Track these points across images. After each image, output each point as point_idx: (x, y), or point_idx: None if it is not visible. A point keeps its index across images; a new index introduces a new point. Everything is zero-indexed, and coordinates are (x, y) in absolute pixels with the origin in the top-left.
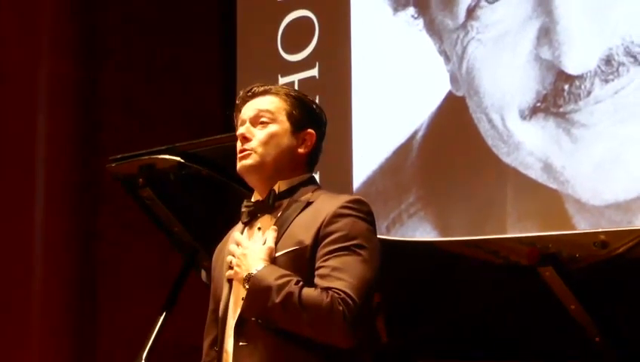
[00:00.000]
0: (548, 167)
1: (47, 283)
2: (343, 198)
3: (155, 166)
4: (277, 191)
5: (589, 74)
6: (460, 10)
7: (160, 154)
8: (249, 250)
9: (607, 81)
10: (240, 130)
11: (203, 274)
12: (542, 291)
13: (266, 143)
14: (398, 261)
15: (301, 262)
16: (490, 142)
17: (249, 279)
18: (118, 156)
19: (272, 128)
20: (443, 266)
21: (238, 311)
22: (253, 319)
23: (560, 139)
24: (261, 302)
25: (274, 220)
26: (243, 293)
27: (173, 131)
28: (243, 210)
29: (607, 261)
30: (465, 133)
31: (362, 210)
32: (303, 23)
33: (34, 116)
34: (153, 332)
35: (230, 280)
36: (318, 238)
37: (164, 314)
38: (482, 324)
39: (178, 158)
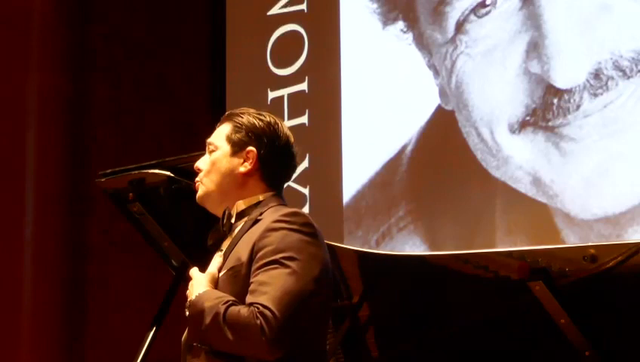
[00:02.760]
0: (537, 181)
1: (37, 299)
2: (279, 212)
3: (145, 180)
4: (232, 213)
5: (578, 88)
6: (449, 24)
7: (150, 168)
8: (195, 279)
9: (596, 95)
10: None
11: None
12: (532, 305)
13: (208, 172)
14: (387, 275)
15: (238, 279)
16: (479, 155)
17: (189, 305)
18: (108, 171)
19: (213, 155)
20: (433, 280)
21: None
22: (194, 344)
23: (549, 153)
24: (197, 325)
25: (229, 240)
26: None
27: (162, 146)
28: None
29: (596, 275)
30: (454, 146)
31: (296, 222)
32: (292, 37)
33: (23, 131)
34: (143, 347)
35: None
36: (253, 254)
37: (154, 328)
38: (472, 338)
39: (168, 173)
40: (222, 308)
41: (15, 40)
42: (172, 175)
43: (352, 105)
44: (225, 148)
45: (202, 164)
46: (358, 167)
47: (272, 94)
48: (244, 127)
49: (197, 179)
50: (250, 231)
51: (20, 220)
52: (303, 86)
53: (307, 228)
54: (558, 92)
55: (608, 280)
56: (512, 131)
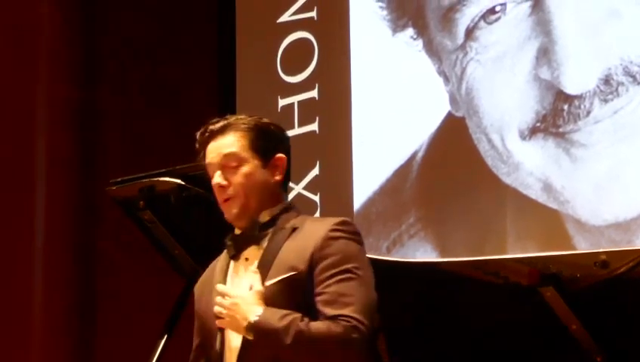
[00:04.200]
0: (548, 187)
1: (47, 307)
2: (330, 221)
3: (156, 188)
4: (260, 222)
5: (588, 94)
6: (458, 31)
7: (160, 176)
8: (239, 299)
9: (606, 101)
10: (214, 180)
11: None
12: (543, 311)
13: (243, 186)
14: (398, 282)
15: (296, 289)
16: (489, 162)
17: (251, 327)
18: (118, 179)
19: (245, 170)
20: (443, 287)
21: (238, 340)
22: None
23: (560, 159)
24: (272, 346)
25: (260, 250)
26: (238, 341)
27: (172, 154)
28: (228, 244)
29: (607, 281)
30: (464, 153)
31: (352, 231)
32: (302, 44)
33: (33, 140)
34: (154, 356)
35: (222, 330)
36: (312, 263)
37: (165, 337)
38: (483, 345)
39: (178, 181)
40: (302, 326)
41: (24, 50)
42: (182, 182)
43: (362, 112)
44: (253, 159)
45: (228, 179)
46: (369, 174)
47: (282, 102)
48: (264, 134)
49: (226, 195)
50: (291, 240)
51: (31, 229)
52: (314, 93)
53: (360, 237)
54: (569, 98)
55: (619, 286)
56: (523, 137)
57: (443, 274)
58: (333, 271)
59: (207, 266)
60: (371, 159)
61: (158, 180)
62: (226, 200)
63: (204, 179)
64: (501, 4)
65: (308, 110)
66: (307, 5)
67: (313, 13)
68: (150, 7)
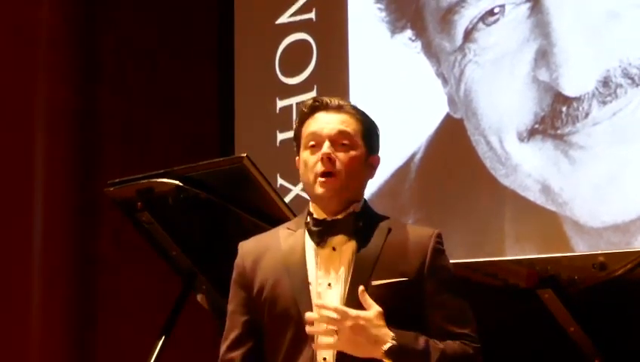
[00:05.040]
0: (546, 189)
1: (47, 309)
2: (430, 231)
3: (154, 190)
4: (356, 213)
5: (586, 96)
6: (457, 32)
7: (158, 177)
8: (364, 320)
9: (604, 103)
10: (324, 149)
11: (200, 296)
12: (541, 313)
13: (349, 170)
14: None
15: (404, 294)
16: (488, 164)
17: (393, 352)
18: (117, 180)
19: (354, 153)
20: None
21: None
22: None
23: (558, 161)
24: None
25: (349, 242)
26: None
27: (170, 155)
28: (313, 228)
29: (606, 283)
30: (463, 155)
31: (443, 244)
32: (300, 46)
33: (32, 142)
34: (152, 356)
35: (309, 301)
36: (424, 273)
37: (163, 337)
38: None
39: (176, 182)
40: (440, 347)
41: (24, 52)
42: (180, 184)
43: None
44: (362, 150)
45: (336, 155)
46: None
47: (280, 103)
48: (374, 131)
49: (333, 170)
50: (390, 242)
51: (29, 231)
52: (312, 95)
53: None
54: (567, 100)
55: (617, 288)
56: (521, 139)
57: None
58: (449, 285)
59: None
60: None
61: (156, 181)
62: (329, 174)
63: (203, 181)
64: (500, 6)
65: None
66: (306, 7)
67: (312, 15)
68: (149, 9)
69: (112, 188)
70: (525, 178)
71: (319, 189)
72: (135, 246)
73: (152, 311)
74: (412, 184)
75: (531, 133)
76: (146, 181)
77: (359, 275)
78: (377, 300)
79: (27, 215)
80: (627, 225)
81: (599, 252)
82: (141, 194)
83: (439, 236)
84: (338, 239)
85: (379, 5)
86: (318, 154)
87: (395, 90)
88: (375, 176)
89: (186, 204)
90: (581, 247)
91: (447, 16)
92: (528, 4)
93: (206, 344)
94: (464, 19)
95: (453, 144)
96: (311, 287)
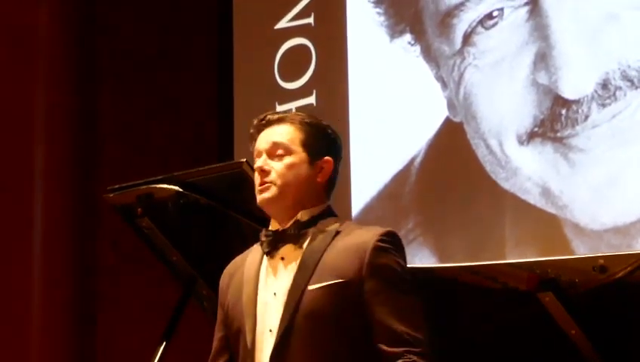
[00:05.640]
0: (546, 192)
1: (46, 315)
2: (377, 230)
3: (153, 195)
4: (301, 221)
5: (586, 98)
6: (456, 36)
7: (158, 183)
8: None
9: (604, 106)
10: (257, 163)
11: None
12: (542, 317)
13: (284, 175)
14: None
15: (342, 296)
16: (488, 167)
17: None
18: (116, 186)
19: (289, 160)
20: (442, 292)
21: (271, 341)
22: None
23: (558, 164)
24: None
25: (298, 250)
26: (271, 325)
27: (170, 160)
28: (263, 239)
29: (606, 285)
30: (463, 158)
31: (399, 244)
32: (299, 50)
33: (31, 146)
34: None
35: (254, 312)
36: (364, 273)
37: (164, 343)
38: (482, 350)
39: (176, 187)
40: None
41: (22, 56)
42: (180, 189)
43: (359, 118)
44: (301, 154)
45: (269, 165)
46: (367, 180)
47: (280, 108)
48: (319, 134)
49: (267, 179)
50: (335, 245)
51: (29, 236)
52: (311, 99)
53: (404, 250)
54: (566, 103)
55: (618, 291)
56: (521, 142)
57: (441, 279)
58: (393, 283)
59: (205, 272)
60: (369, 165)
61: (156, 187)
62: (262, 184)
63: (202, 186)
64: (499, 10)
65: None
66: (304, 11)
67: (310, 20)
68: (149, 14)
69: (111, 195)
70: (525, 181)
71: (258, 199)
72: (134, 252)
73: (152, 316)
74: (412, 188)
75: (531, 136)
76: (145, 187)
77: (298, 281)
78: (316, 302)
79: (27, 220)
80: (627, 228)
81: (600, 254)
82: (141, 199)
83: (385, 234)
84: (287, 248)
85: (378, 9)
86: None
87: (394, 94)
88: (375, 179)
89: (186, 210)
90: (581, 250)
91: (446, 20)
92: (527, 8)
93: (206, 349)
94: (463, 22)
95: (453, 148)
96: (259, 298)
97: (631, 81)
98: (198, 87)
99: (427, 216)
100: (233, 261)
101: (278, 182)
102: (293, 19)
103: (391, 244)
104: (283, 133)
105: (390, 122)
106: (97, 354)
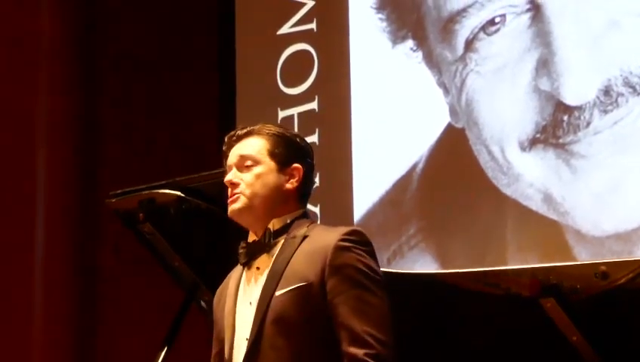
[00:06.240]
0: (548, 198)
1: (48, 319)
2: (340, 231)
3: (155, 200)
4: (272, 230)
5: (588, 105)
6: (458, 42)
7: (160, 188)
8: None
9: (606, 112)
10: (227, 177)
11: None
12: (543, 323)
13: (252, 185)
14: (398, 293)
15: (306, 299)
16: (490, 173)
17: None
18: (118, 191)
19: (257, 169)
20: (444, 298)
21: (243, 350)
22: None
23: (560, 170)
24: None
25: (271, 258)
26: (246, 334)
27: (172, 166)
28: (240, 251)
29: (608, 292)
30: (464, 164)
31: (364, 242)
32: (302, 56)
33: (33, 152)
34: None
35: (233, 323)
36: (324, 275)
37: (166, 348)
38: (484, 357)
39: (178, 193)
40: None
41: (24, 61)
42: (182, 195)
43: (362, 123)
44: (269, 163)
45: (237, 177)
46: (369, 186)
47: (282, 113)
48: (286, 143)
49: (236, 191)
50: (301, 249)
51: (31, 241)
52: (313, 105)
53: (371, 247)
54: (568, 109)
55: (620, 297)
56: (523, 149)
57: (443, 285)
58: (350, 283)
59: (207, 277)
60: (371, 170)
61: (157, 192)
62: (231, 196)
63: (204, 192)
64: (501, 16)
65: (308, 122)
66: (307, 17)
67: (313, 25)
68: (150, 20)
69: (113, 200)
70: (527, 187)
71: (229, 211)
72: (136, 257)
73: (153, 322)
74: (414, 194)
75: (533, 142)
76: (147, 192)
77: (267, 289)
78: (283, 308)
79: (28, 225)
80: (629, 234)
81: (601, 261)
82: (143, 205)
83: (348, 233)
84: (262, 258)
85: (380, 15)
86: None
87: (396, 100)
88: (377, 185)
89: (188, 215)
90: (583, 256)
91: (448, 26)
92: (529, 14)
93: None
94: (465, 29)
95: (454, 154)
96: (237, 309)
97: (633, 87)
98: (200, 94)
99: (429, 221)
100: (227, 277)
101: (247, 192)
102: (296, 24)
103: (353, 243)
104: (250, 146)
105: (392, 128)
106: (99, 356)
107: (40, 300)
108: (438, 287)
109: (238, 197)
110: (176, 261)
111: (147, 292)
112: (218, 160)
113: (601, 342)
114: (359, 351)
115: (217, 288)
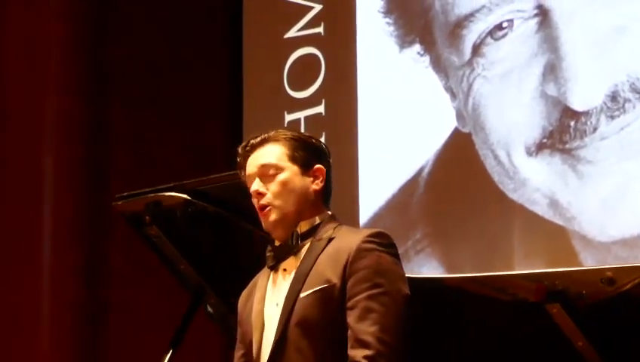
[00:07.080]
0: (554, 204)
1: (56, 323)
2: (366, 232)
3: (162, 203)
4: (299, 232)
5: (594, 110)
6: (465, 47)
7: (166, 191)
8: None
9: (612, 118)
10: (253, 187)
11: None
12: (549, 328)
13: (279, 194)
14: None
15: (329, 301)
16: (496, 178)
17: None
18: (125, 194)
19: (282, 176)
20: (450, 303)
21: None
22: None
23: (566, 176)
24: None
25: (298, 261)
26: (273, 336)
27: (179, 168)
28: (268, 254)
29: (614, 297)
30: (471, 169)
31: (386, 244)
32: (309, 60)
33: (40, 154)
34: None
35: (262, 324)
36: (346, 276)
37: (172, 351)
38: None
39: (185, 196)
40: None
41: (34, 64)
42: (189, 198)
43: (368, 128)
44: (292, 167)
45: (263, 187)
46: (375, 190)
47: (288, 117)
48: (304, 145)
49: (263, 202)
50: (327, 251)
51: (38, 244)
52: (320, 109)
53: (395, 249)
54: (575, 114)
55: (626, 303)
56: (529, 154)
57: (449, 290)
58: (365, 285)
59: (213, 280)
60: (378, 175)
61: (164, 195)
62: (263, 208)
63: (211, 195)
64: (508, 21)
65: (314, 125)
66: (314, 21)
67: (320, 29)
68: (160, 22)
69: (120, 203)
70: (533, 192)
71: (264, 224)
72: (144, 260)
73: (160, 324)
74: (420, 198)
75: (539, 147)
76: (154, 195)
77: (293, 290)
78: (308, 310)
79: (36, 227)
80: (635, 240)
81: (607, 266)
82: (149, 207)
83: (373, 235)
84: (289, 261)
85: (387, 20)
86: None
87: (403, 104)
88: (383, 189)
89: (195, 218)
90: (589, 262)
91: (455, 31)
92: (537, 19)
93: (214, 358)
94: (473, 33)
95: (461, 158)
96: (265, 310)
97: (639, 93)
98: (208, 97)
99: (435, 226)
100: (253, 279)
101: (276, 202)
102: (303, 28)
103: (375, 244)
104: (269, 153)
105: (399, 132)
106: (107, 359)
107: (48, 303)
108: (444, 291)
109: (270, 210)
110: (182, 264)
111: (156, 294)
112: (225, 163)
113: (606, 347)
114: (357, 353)
115: (223, 291)
